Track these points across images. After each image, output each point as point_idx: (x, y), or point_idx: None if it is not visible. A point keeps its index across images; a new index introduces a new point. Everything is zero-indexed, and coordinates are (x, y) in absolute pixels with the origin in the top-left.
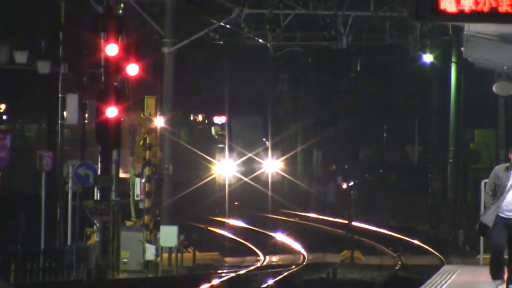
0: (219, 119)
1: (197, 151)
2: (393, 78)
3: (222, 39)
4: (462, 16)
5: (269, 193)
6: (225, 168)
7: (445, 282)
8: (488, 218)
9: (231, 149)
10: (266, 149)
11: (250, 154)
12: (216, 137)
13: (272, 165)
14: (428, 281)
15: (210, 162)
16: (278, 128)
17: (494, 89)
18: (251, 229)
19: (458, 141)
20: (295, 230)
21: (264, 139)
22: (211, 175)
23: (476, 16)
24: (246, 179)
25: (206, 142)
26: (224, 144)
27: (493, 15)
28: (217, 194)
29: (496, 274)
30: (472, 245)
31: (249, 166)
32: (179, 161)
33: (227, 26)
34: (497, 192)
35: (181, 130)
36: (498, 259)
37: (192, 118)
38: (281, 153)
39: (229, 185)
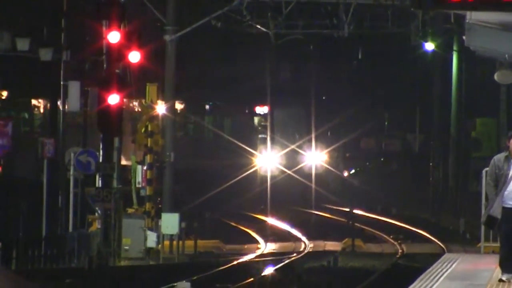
0: (261, 109)
1: (239, 143)
2: (395, 67)
3: (224, 26)
4: (464, 4)
5: (313, 186)
6: (267, 160)
7: (446, 271)
8: (496, 211)
9: (273, 140)
10: (309, 140)
11: (292, 146)
12: (259, 128)
13: (315, 157)
14: (429, 269)
15: (251, 153)
16: (321, 118)
17: (495, 77)
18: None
19: (459, 130)
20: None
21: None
22: (252, 167)
23: (478, 4)
24: (289, 172)
25: (248, 133)
26: (266, 134)
27: (496, 4)
28: (257, 188)
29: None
30: (473, 234)
31: (292, 158)
32: (221, 152)
33: (229, 14)
34: (499, 182)
35: (224, 120)
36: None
37: (233, 108)
38: (325, 145)
39: (271, 178)
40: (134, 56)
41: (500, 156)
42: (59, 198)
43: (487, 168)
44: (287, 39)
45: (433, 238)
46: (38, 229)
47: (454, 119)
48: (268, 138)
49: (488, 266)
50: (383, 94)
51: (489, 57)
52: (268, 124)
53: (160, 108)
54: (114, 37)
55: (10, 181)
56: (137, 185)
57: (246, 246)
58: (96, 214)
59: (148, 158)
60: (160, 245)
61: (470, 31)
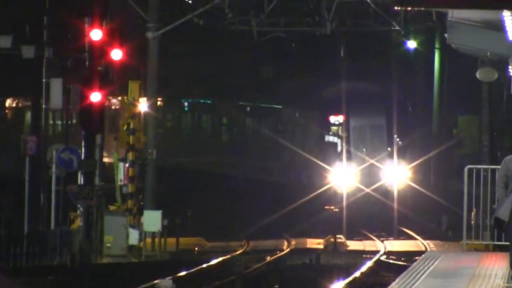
0: (336, 119)
1: (313, 158)
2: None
3: (206, 24)
4: (446, 2)
5: (395, 207)
6: (342, 176)
7: (428, 268)
8: (504, 213)
9: (349, 154)
10: (391, 154)
11: (372, 161)
12: (342, 140)
13: (397, 173)
14: (411, 267)
15: (325, 169)
16: (404, 128)
17: (477, 75)
18: None
19: (441, 127)
20: None
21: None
22: (326, 183)
23: (459, 2)
24: (367, 190)
25: (321, 146)
26: (341, 147)
27: (477, 2)
28: (333, 209)
29: None
30: (455, 231)
31: (371, 175)
32: (294, 167)
33: (212, 11)
34: (510, 184)
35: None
36: None
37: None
38: (410, 159)
39: (348, 196)
40: (116, 54)
41: (511, 158)
42: (41, 195)
43: (469, 166)
44: (269, 36)
45: (415, 235)
46: (20, 226)
47: (436, 117)
48: (344, 151)
49: (470, 263)
50: None
51: (471, 54)
52: (343, 134)
53: (142, 105)
54: (96, 34)
55: None
56: (119, 183)
57: (228, 244)
58: (78, 211)
59: (130, 156)
60: (142, 243)
61: (451, 29)
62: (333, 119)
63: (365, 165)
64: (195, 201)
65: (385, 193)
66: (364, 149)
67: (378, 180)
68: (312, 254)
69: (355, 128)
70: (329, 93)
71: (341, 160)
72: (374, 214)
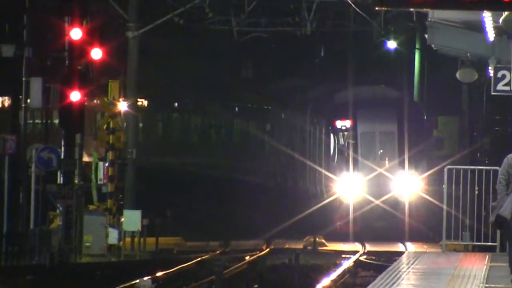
0: (343, 124)
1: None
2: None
3: (186, 24)
4: (426, 2)
5: (406, 220)
6: (349, 187)
7: (407, 268)
8: (505, 211)
9: (356, 163)
10: (401, 163)
11: (380, 170)
12: (350, 147)
13: (409, 184)
14: (390, 267)
15: (330, 179)
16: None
17: (457, 75)
18: None
19: None
20: None
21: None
22: (332, 194)
23: (440, 3)
24: (377, 202)
25: (328, 153)
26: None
27: (457, 2)
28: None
29: None
30: (434, 232)
31: (380, 185)
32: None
33: (192, 11)
34: (511, 182)
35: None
36: None
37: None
38: (422, 168)
39: (356, 209)
40: (96, 53)
41: None
42: (20, 195)
43: (449, 166)
44: (249, 36)
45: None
46: None
47: None
48: (351, 159)
49: (449, 263)
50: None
51: (451, 55)
52: (350, 141)
53: (122, 104)
54: (76, 33)
55: None
56: (98, 182)
57: (208, 244)
58: (58, 211)
59: (110, 155)
60: (121, 242)
61: (432, 29)
62: (339, 123)
63: (373, 174)
64: (176, 201)
65: (395, 204)
66: (373, 157)
67: (388, 191)
68: (292, 254)
69: (363, 135)
70: (336, 96)
71: (347, 168)
72: (382, 229)
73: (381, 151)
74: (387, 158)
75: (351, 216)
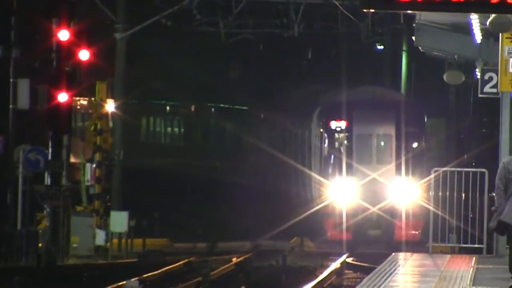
0: (337, 124)
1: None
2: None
3: (174, 25)
4: (413, 4)
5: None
6: (342, 192)
7: (394, 270)
8: (507, 215)
9: (350, 167)
10: (399, 168)
11: (373, 175)
12: (341, 149)
13: (407, 190)
14: (377, 269)
15: (322, 183)
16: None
17: (445, 78)
18: None
19: None
20: None
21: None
22: (323, 200)
23: (427, 5)
24: (374, 209)
25: (321, 155)
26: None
27: (445, 4)
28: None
29: None
30: (422, 233)
31: (375, 191)
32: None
33: (180, 12)
34: (510, 187)
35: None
36: None
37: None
38: (421, 174)
39: (349, 216)
40: (84, 54)
41: (511, 159)
42: (8, 196)
43: (436, 168)
44: (237, 38)
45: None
46: None
47: None
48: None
49: (436, 265)
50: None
51: (438, 57)
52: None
53: (110, 106)
54: (64, 35)
55: None
56: (86, 183)
57: (195, 245)
58: (45, 212)
59: (97, 156)
60: (108, 243)
61: (419, 31)
62: (334, 124)
63: (367, 178)
64: (163, 203)
65: (391, 212)
66: (368, 161)
67: (384, 198)
68: (279, 256)
69: (359, 137)
70: (329, 96)
71: (340, 172)
72: (377, 238)
73: (378, 154)
74: (383, 163)
75: (344, 224)
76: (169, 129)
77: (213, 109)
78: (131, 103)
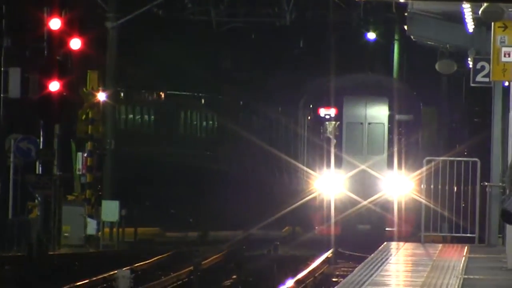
0: (327, 112)
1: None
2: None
3: (165, 14)
4: None
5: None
6: (330, 184)
7: (386, 259)
8: (511, 205)
9: (339, 157)
10: (391, 159)
11: (363, 166)
12: (333, 138)
13: (400, 183)
14: (369, 258)
15: (309, 174)
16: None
17: (437, 67)
18: None
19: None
20: None
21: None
22: (310, 192)
23: None
24: (365, 203)
25: (308, 145)
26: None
27: None
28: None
29: None
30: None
31: (366, 183)
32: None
33: (171, 1)
34: None
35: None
36: None
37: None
38: (413, 165)
39: (338, 210)
40: (75, 43)
41: None
42: None
43: (428, 158)
44: (228, 27)
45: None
46: None
47: None
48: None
49: (428, 255)
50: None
51: (430, 46)
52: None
53: (101, 95)
54: (55, 24)
55: None
56: (77, 172)
57: (186, 234)
58: (36, 201)
59: (88, 145)
60: (100, 233)
61: (411, 20)
62: (323, 111)
63: (357, 170)
64: (154, 192)
65: (383, 206)
66: (359, 152)
67: (375, 190)
68: (271, 245)
69: (349, 125)
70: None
71: (329, 163)
72: (367, 233)
73: (369, 144)
74: (375, 153)
75: (332, 219)
76: (160, 118)
77: (203, 100)
78: (118, 91)
